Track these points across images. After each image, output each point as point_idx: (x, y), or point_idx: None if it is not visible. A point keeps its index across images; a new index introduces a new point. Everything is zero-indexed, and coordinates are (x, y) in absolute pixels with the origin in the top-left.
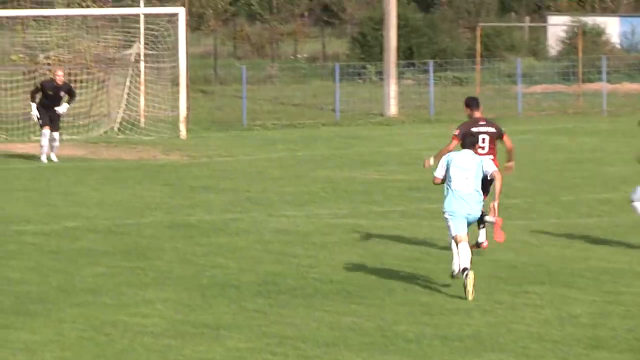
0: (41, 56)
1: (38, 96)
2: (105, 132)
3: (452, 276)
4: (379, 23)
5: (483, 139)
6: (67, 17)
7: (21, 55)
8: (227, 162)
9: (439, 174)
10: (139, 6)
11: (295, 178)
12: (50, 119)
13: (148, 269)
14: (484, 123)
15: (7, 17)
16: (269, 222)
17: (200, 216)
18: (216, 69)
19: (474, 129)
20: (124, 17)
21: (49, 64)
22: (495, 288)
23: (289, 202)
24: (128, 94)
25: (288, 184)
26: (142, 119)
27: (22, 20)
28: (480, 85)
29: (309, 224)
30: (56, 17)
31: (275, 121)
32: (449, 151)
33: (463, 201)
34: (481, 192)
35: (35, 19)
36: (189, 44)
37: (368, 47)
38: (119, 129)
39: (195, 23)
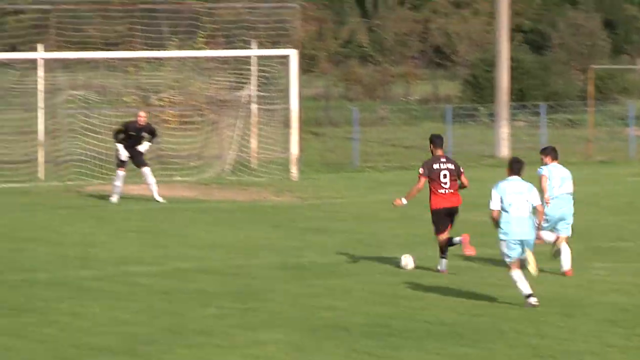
0: (153, 98)
1: (120, 136)
2: (217, 174)
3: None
4: (491, 65)
5: (444, 175)
6: (179, 59)
7: (133, 97)
8: (338, 203)
9: (495, 206)
10: (251, 48)
11: (406, 220)
12: (132, 158)
13: (259, 310)
14: (445, 160)
15: (120, 59)
16: (379, 264)
17: (311, 258)
18: (328, 111)
19: (435, 166)
20: (236, 59)
21: (161, 105)
22: (606, 331)
23: (400, 244)
24: (240, 135)
25: (399, 226)
26: (254, 161)
27: (135, 62)
28: (592, 127)
29: (420, 266)
30: (168, 59)
31: (387, 163)
32: (419, 189)
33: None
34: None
35: (148, 60)
36: (300, 85)
37: (480, 88)
38: (230, 171)
39: (307, 65)
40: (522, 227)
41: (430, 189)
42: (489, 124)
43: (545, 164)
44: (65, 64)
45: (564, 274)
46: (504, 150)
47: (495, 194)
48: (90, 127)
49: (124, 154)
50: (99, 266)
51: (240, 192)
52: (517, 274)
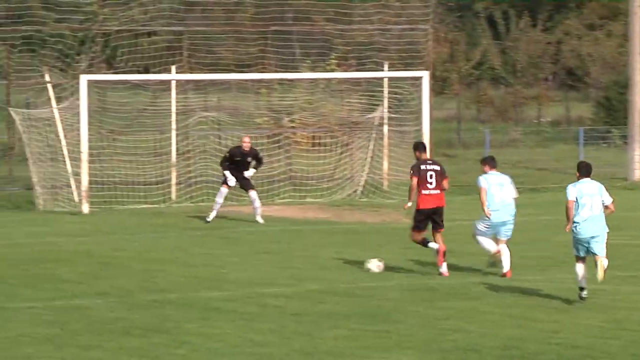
0: (285, 119)
1: (226, 163)
2: (349, 195)
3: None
4: (624, 87)
5: (430, 175)
6: (311, 80)
7: (266, 119)
8: (468, 225)
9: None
10: (382, 70)
11: (537, 242)
12: (239, 182)
13: (390, 332)
14: (431, 162)
15: (252, 81)
16: (510, 286)
17: (442, 280)
18: (459, 133)
19: (422, 167)
20: (367, 81)
21: (293, 127)
22: None
23: (531, 266)
24: (371, 157)
25: (530, 249)
26: (385, 182)
27: (267, 83)
28: None
29: (552, 289)
30: (300, 80)
31: (519, 185)
32: (414, 187)
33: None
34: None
35: (280, 82)
36: (432, 107)
37: (613, 111)
38: (362, 192)
39: (439, 87)
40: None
41: (417, 190)
42: (621, 147)
43: (485, 173)
44: (198, 86)
45: (503, 275)
46: (637, 173)
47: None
48: (222, 148)
49: (232, 181)
50: (230, 287)
51: (371, 213)
52: (580, 267)
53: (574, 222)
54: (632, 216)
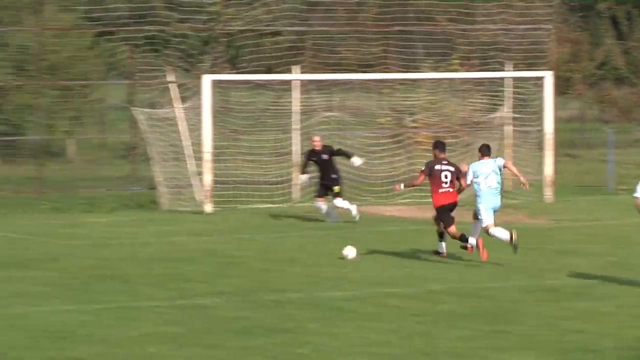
0: (408, 119)
1: (308, 169)
2: (471, 195)
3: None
4: None
5: (445, 175)
6: (433, 80)
7: (388, 119)
8: (592, 226)
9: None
10: (505, 70)
11: None
12: (326, 188)
13: (509, 333)
14: (446, 162)
15: (375, 81)
16: (633, 288)
17: (564, 280)
18: (582, 133)
19: (437, 167)
20: (490, 81)
21: (415, 127)
22: None
23: None
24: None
25: None
26: (508, 182)
27: (390, 83)
28: None
29: None
30: (423, 80)
31: None
32: (415, 184)
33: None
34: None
35: (402, 82)
36: (555, 107)
37: None
38: None
39: (562, 87)
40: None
41: (432, 189)
42: None
43: (479, 160)
44: (320, 86)
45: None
46: None
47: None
48: (345, 148)
49: (303, 178)
50: (351, 287)
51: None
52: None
53: None
54: None
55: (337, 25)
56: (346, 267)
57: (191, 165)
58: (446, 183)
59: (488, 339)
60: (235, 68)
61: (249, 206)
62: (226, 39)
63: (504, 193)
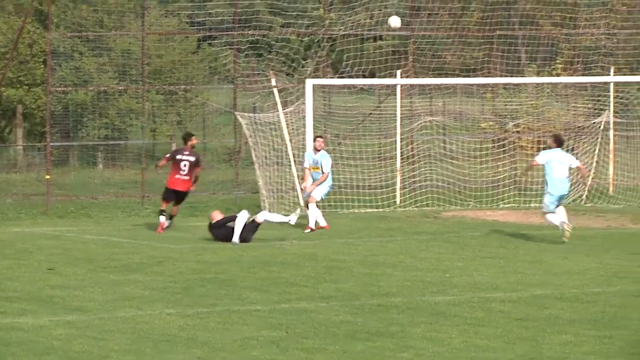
0: (510, 124)
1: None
2: (574, 200)
3: None
4: None
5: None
6: (536, 85)
7: (491, 123)
8: None
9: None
10: (609, 74)
11: None
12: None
13: (614, 338)
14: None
15: (477, 85)
16: None
17: None
18: None
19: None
20: (593, 85)
21: (517, 131)
22: None
23: None
24: (597, 161)
25: None
26: (611, 187)
27: (492, 88)
28: None
29: None
30: (526, 85)
31: None
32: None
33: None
34: None
35: (505, 86)
36: None
37: None
38: (587, 197)
39: None
40: None
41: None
42: None
43: (549, 148)
44: (423, 90)
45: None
46: None
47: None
48: (447, 153)
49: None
50: (455, 292)
51: (597, 219)
52: None
53: None
54: None
55: (440, 29)
56: (450, 272)
57: (294, 170)
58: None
59: (592, 344)
60: (338, 72)
61: (351, 210)
62: (329, 44)
63: (607, 198)
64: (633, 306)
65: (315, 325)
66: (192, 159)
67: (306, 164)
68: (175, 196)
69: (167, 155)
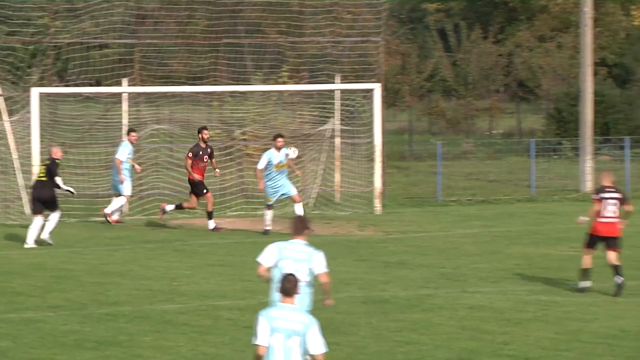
0: (237, 132)
1: None
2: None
3: None
4: (575, 99)
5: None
6: (263, 93)
7: (218, 131)
8: (421, 237)
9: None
10: (335, 82)
11: (489, 254)
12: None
13: (343, 345)
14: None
15: (204, 93)
16: (463, 299)
17: (394, 292)
18: (411, 145)
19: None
20: (319, 93)
21: (245, 139)
22: None
23: (484, 278)
24: (323, 169)
25: (482, 260)
26: (337, 195)
27: (219, 96)
28: None
29: (504, 301)
30: (252, 92)
31: (471, 197)
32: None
33: None
34: None
35: (232, 94)
36: (384, 119)
37: (564, 122)
38: (313, 204)
39: (391, 99)
40: None
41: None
42: (573, 158)
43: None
44: (149, 98)
45: None
46: (588, 185)
47: None
48: (173, 161)
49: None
50: (183, 300)
51: (323, 226)
52: None
53: None
54: (585, 228)
55: (166, 37)
56: (178, 280)
57: (20, 179)
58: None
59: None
60: (64, 81)
61: (78, 220)
62: (54, 52)
63: (334, 205)
64: (359, 312)
65: (43, 335)
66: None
67: (261, 165)
68: None
69: None
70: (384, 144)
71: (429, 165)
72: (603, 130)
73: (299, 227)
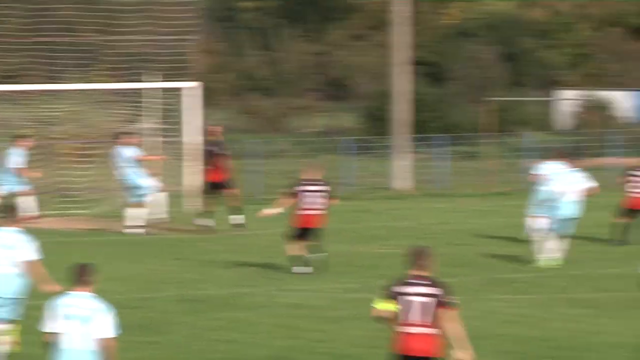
0: (52, 130)
1: None
2: (115, 206)
3: None
4: (388, 97)
5: None
6: (77, 91)
7: (33, 130)
8: (239, 236)
9: None
10: (150, 80)
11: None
12: None
13: (161, 344)
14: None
15: (18, 92)
16: (280, 297)
17: (212, 290)
18: (229, 144)
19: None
20: (134, 92)
21: (59, 138)
22: None
23: (300, 276)
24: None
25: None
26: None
27: (33, 94)
28: (491, 159)
29: (320, 299)
30: (67, 91)
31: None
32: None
33: None
34: None
35: (46, 93)
36: (201, 118)
37: (378, 121)
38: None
39: (207, 97)
40: None
41: None
42: (387, 156)
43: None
44: None
45: None
46: (401, 182)
47: None
48: None
49: None
50: None
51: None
52: None
53: None
54: (397, 225)
55: None
56: None
57: None
58: None
59: (139, 350)
60: None
61: None
62: None
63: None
64: (177, 311)
65: None
66: None
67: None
68: None
69: None
70: (197, 142)
71: (247, 164)
72: (418, 128)
73: None
